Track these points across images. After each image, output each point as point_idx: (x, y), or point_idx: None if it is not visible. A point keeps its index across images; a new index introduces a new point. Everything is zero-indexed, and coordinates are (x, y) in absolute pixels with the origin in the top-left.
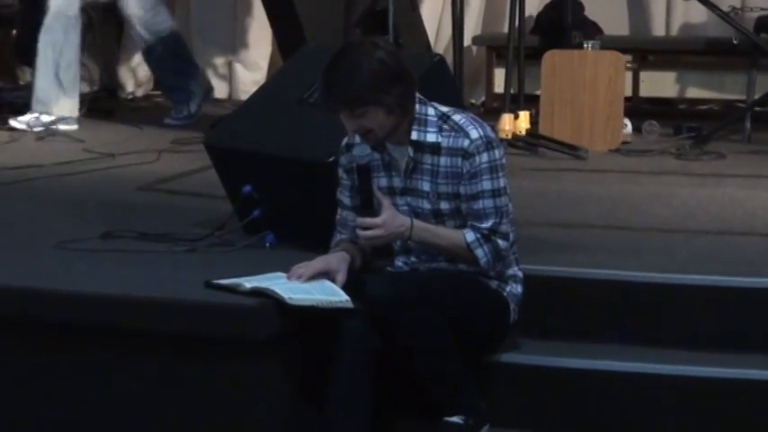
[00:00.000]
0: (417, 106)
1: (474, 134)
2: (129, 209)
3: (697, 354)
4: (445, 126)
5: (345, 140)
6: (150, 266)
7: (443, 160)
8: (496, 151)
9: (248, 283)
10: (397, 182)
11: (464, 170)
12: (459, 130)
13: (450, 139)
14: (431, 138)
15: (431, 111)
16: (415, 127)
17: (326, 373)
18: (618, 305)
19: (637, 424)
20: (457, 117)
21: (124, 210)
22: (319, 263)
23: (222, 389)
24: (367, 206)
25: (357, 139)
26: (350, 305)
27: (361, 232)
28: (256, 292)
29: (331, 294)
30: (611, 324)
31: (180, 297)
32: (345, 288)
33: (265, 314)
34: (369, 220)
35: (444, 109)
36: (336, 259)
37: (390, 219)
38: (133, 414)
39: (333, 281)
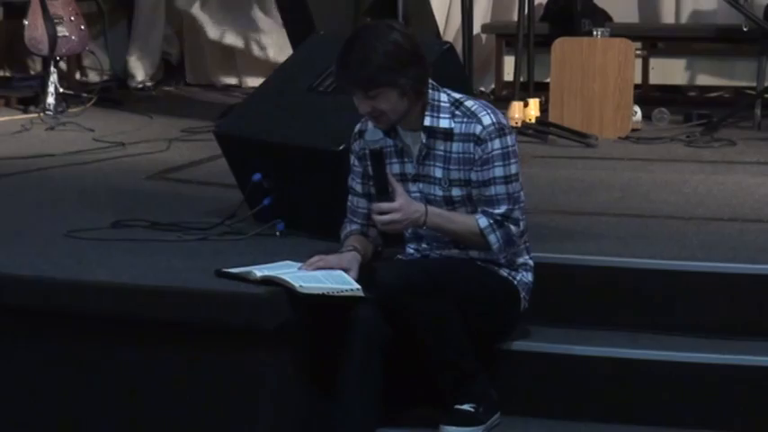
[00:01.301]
0: (430, 92)
1: (487, 120)
2: (139, 198)
3: (708, 340)
4: (458, 112)
5: (358, 126)
6: (161, 255)
7: (456, 146)
8: (509, 138)
9: (259, 271)
10: (410, 168)
11: (476, 156)
12: (472, 116)
13: (463, 125)
14: (444, 123)
15: (444, 97)
16: (428, 113)
17: (337, 362)
18: (628, 292)
19: (648, 411)
20: (469, 103)
21: (134, 199)
22: (333, 259)
23: (233, 377)
24: (382, 191)
25: (370, 125)
26: (360, 293)
27: (377, 217)
28: (267, 281)
29: (342, 283)
30: (622, 311)
31: (190, 285)
32: (357, 280)
33: (276, 302)
34: (386, 206)
35: (457, 95)
36: (348, 258)
37: (406, 204)
38: (143, 401)
39: None
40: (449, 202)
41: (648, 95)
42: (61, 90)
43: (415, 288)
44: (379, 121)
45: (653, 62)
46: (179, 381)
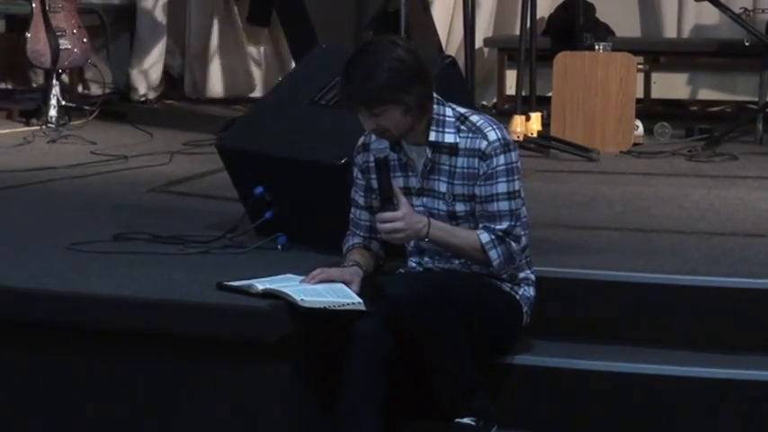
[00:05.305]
0: (435, 107)
1: (492, 136)
2: (141, 211)
3: (709, 355)
4: (463, 127)
5: (362, 140)
6: (162, 268)
7: (460, 161)
8: (513, 154)
9: (260, 284)
10: (414, 182)
11: (480, 171)
12: (477, 132)
13: (468, 140)
14: (449, 138)
15: (449, 111)
16: (433, 127)
17: (339, 375)
18: (629, 307)
19: (650, 425)
20: (475, 118)
21: (136, 212)
22: (336, 273)
23: (234, 390)
24: (386, 200)
25: (373, 137)
26: (362, 307)
27: (381, 226)
28: (268, 294)
29: (343, 297)
30: (623, 325)
31: (192, 299)
32: (359, 293)
33: (277, 316)
34: (389, 214)
35: (462, 110)
36: (350, 272)
37: (410, 213)
38: (145, 415)
39: None
40: (452, 218)
41: (650, 110)
42: (63, 103)
43: (420, 300)
44: (384, 136)
45: (655, 76)
46: (179, 394)
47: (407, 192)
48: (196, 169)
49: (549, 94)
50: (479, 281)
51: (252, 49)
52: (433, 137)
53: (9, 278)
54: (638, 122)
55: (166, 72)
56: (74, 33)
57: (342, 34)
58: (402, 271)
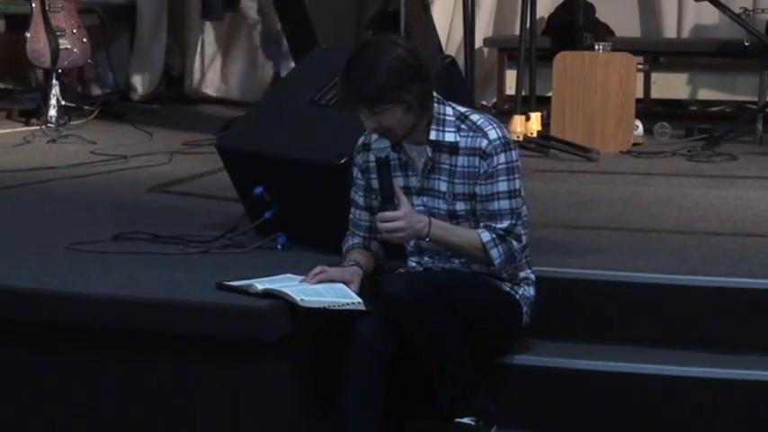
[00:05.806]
0: (436, 106)
1: (493, 135)
2: (140, 211)
3: (708, 355)
4: (463, 126)
5: (362, 139)
6: (162, 268)
7: (461, 160)
8: (513, 153)
9: (260, 284)
10: (414, 182)
11: (481, 170)
12: (478, 130)
13: (469, 139)
14: (449, 137)
15: (449, 110)
16: (433, 126)
17: (339, 375)
18: (629, 307)
19: (650, 425)
20: (475, 117)
21: (136, 212)
22: (336, 272)
23: (234, 390)
24: (387, 200)
25: (374, 137)
26: (362, 307)
27: (381, 225)
28: (268, 294)
29: (343, 296)
30: (623, 325)
31: (192, 299)
32: (359, 293)
33: (277, 316)
34: (390, 214)
35: (462, 109)
36: (350, 272)
37: (410, 213)
38: (145, 415)
39: None
40: (453, 217)
41: (650, 110)
42: (63, 103)
43: (420, 299)
44: (387, 136)
45: (654, 76)
46: (179, 394)
47: (408, 191)
48: (196, 169)
49: (549, 94)
50: (479, 280)
51: (251, 49)
52: (433, 136)
53: (9, 278)
54: (638, 122)
55: (166, 72)
56: (74, 33)
57: (342, 34)
58: (402, 271)
